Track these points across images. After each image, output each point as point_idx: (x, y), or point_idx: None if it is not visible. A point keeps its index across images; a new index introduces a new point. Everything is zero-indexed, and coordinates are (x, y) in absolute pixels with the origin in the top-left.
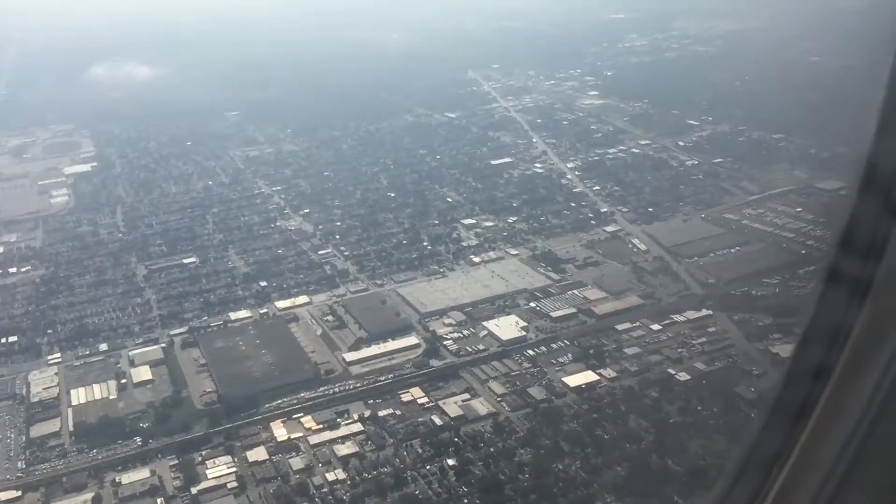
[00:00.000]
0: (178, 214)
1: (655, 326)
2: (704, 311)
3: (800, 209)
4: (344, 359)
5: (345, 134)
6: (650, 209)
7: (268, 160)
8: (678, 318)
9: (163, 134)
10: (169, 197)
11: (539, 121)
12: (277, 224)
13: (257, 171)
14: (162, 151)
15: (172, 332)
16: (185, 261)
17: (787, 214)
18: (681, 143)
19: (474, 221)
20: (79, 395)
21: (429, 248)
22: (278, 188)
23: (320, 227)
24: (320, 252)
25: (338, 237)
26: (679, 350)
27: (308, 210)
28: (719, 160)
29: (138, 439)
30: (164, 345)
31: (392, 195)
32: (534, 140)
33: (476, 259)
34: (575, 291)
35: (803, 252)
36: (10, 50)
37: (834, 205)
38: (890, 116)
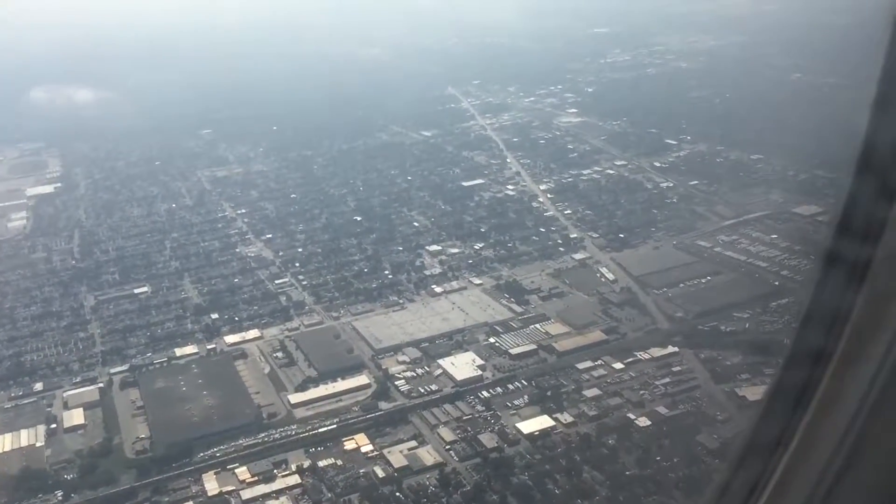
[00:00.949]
0: (136, 240)
1: (618, 365)
2: (670, 349)
3: (775, 236)
4: (289, 401)
5: (317, 153)
6: (621, 235)
7: (236, 181)
8: (642, 355)
9: (133, 152)
10: (129, 220)
11: (515, 140)
12: (237, 250)
13: (224, 192)
14: (130, 171)
15: (112, 371)
16: (137, 291)
17: (761, 242)
18: (657, 164)
19: (440, 248)
20: (3, 443)
21: (390, 276)
22: (243, 211)
23: (281, 253)
24: (277, 281)
25: (297, 265)
26: (641, 392)
27: (270, 235)
28: (695, 182)
29: (59, 493)
30: (101, 385)
31: (358, 219)
32: (508, 160)
33: (438, 289)
34: (537, 326)
35: (776, 283)
36: None
37: (810, 231)
38: (887, 96)
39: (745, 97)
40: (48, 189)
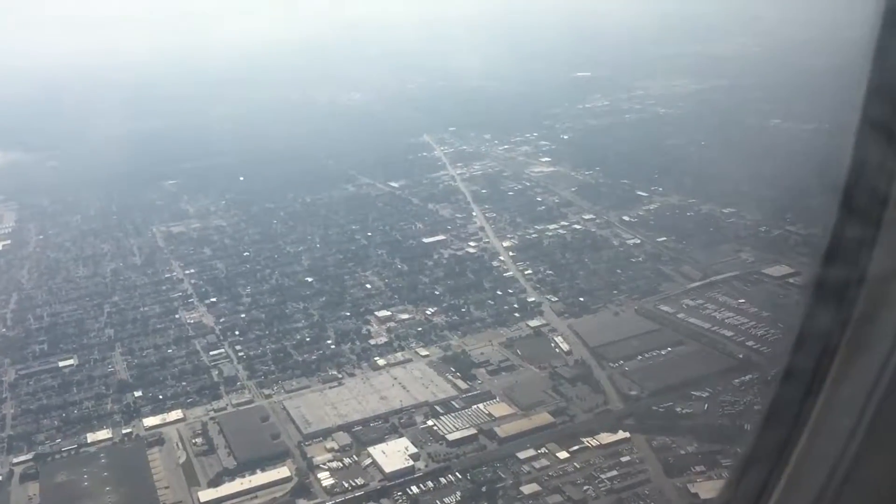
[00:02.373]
0: (74, 304)
1: (563, 454)
2: (621, 434)
3: (742, 300)
4: (198, 498)
5: (280, 206)
6: (581, 298)
7: (191, 237)
8: (590, 442)
9: (93, 205)
10: (72, 282)
11: (484, 191)
12: (177, 316)
13: (176, 250)
14: (84, 227)
15: (15, 461)
16: (62, 364)
17: (727, 307)
18: (626, 218)
19: (389, 313)
20: None
21: (333, 347)
22: (192, 271)
23: (222, 319)
24: (213, 352)
25: (237, 333)
26: (585, 488)
27: (215, 298)
28: (663, 239)
29: None
30: (0, 477)
31: (309, 280)
32: (474, 214)
33: (381, 362)
34: (481, 406)
35: (740, 356)
36: None
37: (779, 295)
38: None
39: (721, 145)
40: None
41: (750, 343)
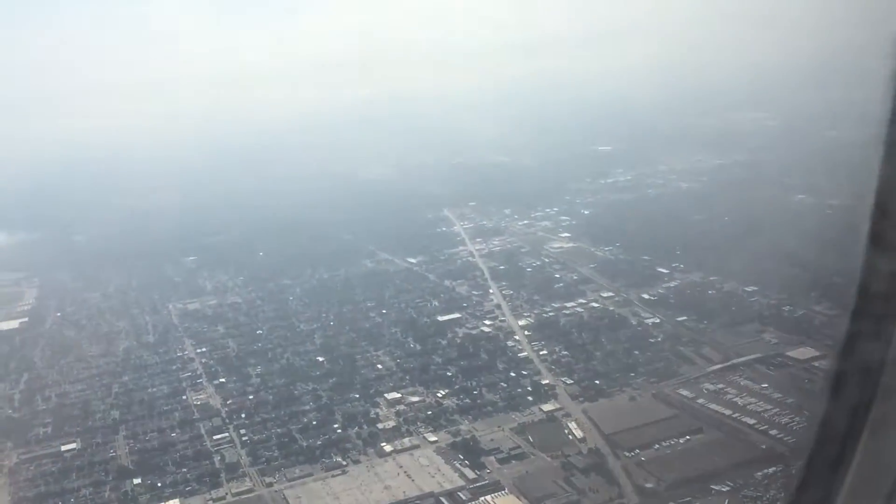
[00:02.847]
0: (82, 384)
1: None
2: None
3: (765, 385)
4: None
5: (297, 283)
6: (597, 381)
7: (205, 315)
8: None
9: (113, 282)
10: (83, 362)
11: (502, 268)
12: (184, 397)
13: (190, 328)
14: (103, 304)
15: None
16: (64, 448)
17: (750, 392)
18: (645, 297)
19: (399, 396)
20: None
21: (339, 431)
22: (203, 350)
23: (229, 401)
24: (216, 436)
25: (243, 416)
26: None
27: (224, 379)
28: (683, 318)
29: None
30: None
31: (321, 360)
32: (490, 291)
33: (388, 448)
34: (488, 498)
35: (763, 447)
36: None
37: (804, 380)
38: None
39: (744, 221)
40: (13, 325)
41: (773, 432)
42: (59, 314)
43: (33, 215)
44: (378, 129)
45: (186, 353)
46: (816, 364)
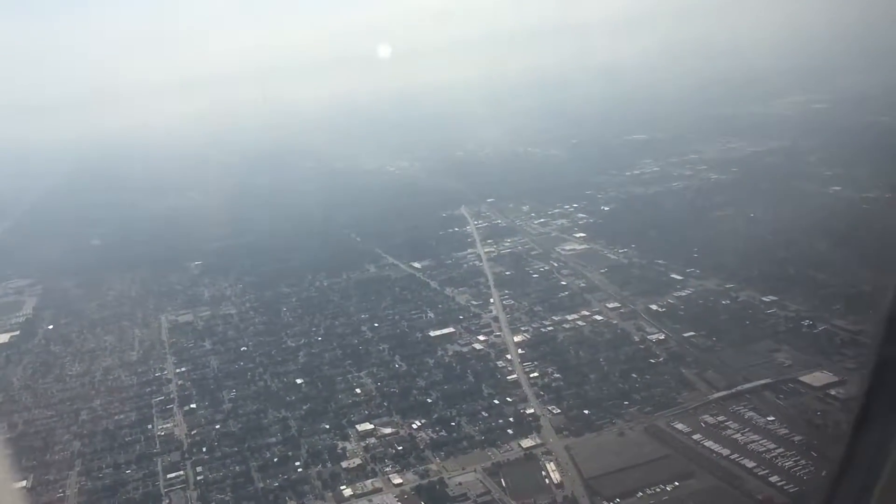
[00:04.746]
0: (52, 410)
1: None
2: None
3: (772, 418)
4: None
5: (296, 290)
6: (586, 411)
7: (195, 328)
8: None
9: (113, 289)
10: (61, 383)
11: (507, 273)
12: (150, 426)
13: (176, 343)
14: (97, 315)
15: None
16: (14, 486)
17: (753, 427)
18: (653, 307)
19: (372, 427)
20: None
21: (300, 470)
22: (183, 369)
23: (194, 432)
24: (171, 475)
25: (204, 450)
26: None
27: (195, 405)
28: (690, 334)
29: None
30: None
31: (299, 382)
32: (491, 301)
33: (347, 491)
34: None
35: (759, 497)
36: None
37: (815, 413)
38: None
39: (770, 218)
40: (3, 339)
41: (774, 478)
42: (51, 327)
43: (60, 218)
44: (400, 123)
45: (165, 373)
46: (832, 392)
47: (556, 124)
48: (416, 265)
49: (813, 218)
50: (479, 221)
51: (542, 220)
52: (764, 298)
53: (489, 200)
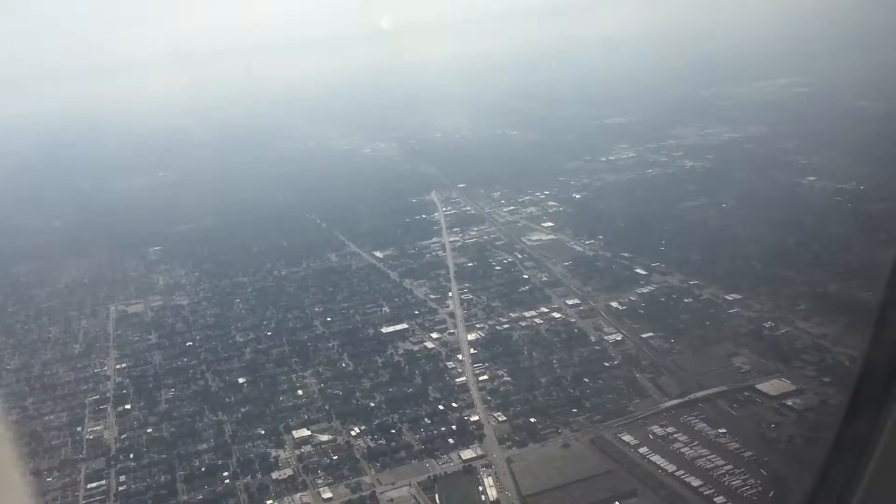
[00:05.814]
0: None
1: None
2: None
3: (723, 430)
4: None
5: (252, 280)
6: (532, 419)
7: (144, 320)
8: None
9: (67, 276)
10: None
11: (470, 265)
12: (79, 429)
13: (121, 336)
14: (45, 303)
15: None
16: None
17: (703, 440)
18: (614, 305)
19: (309, 433)
20: None
21: (227, 482)
22: (124, 365)
23: (124, 436)
24: (91, 485)
25: (131, 457)
26: None
27: (130, 405)
28: (649, 335)
29: None
30: None
31: (241, 381)
32: (450, 294)
33: None
34: None
35: None
36: None
37: (769, 424)
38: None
39: (741, 210)
40: None
41: (719, 499)
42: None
43: (20, 197)
44: (383, 102)
45: (105, 369)
46: (788, 402)
47: (537, 105)
48: (378, 254)
49: (785, 211)
50: (448, 208)
51: (511, 207)
52: (727, 297)
53: (461, 186)
